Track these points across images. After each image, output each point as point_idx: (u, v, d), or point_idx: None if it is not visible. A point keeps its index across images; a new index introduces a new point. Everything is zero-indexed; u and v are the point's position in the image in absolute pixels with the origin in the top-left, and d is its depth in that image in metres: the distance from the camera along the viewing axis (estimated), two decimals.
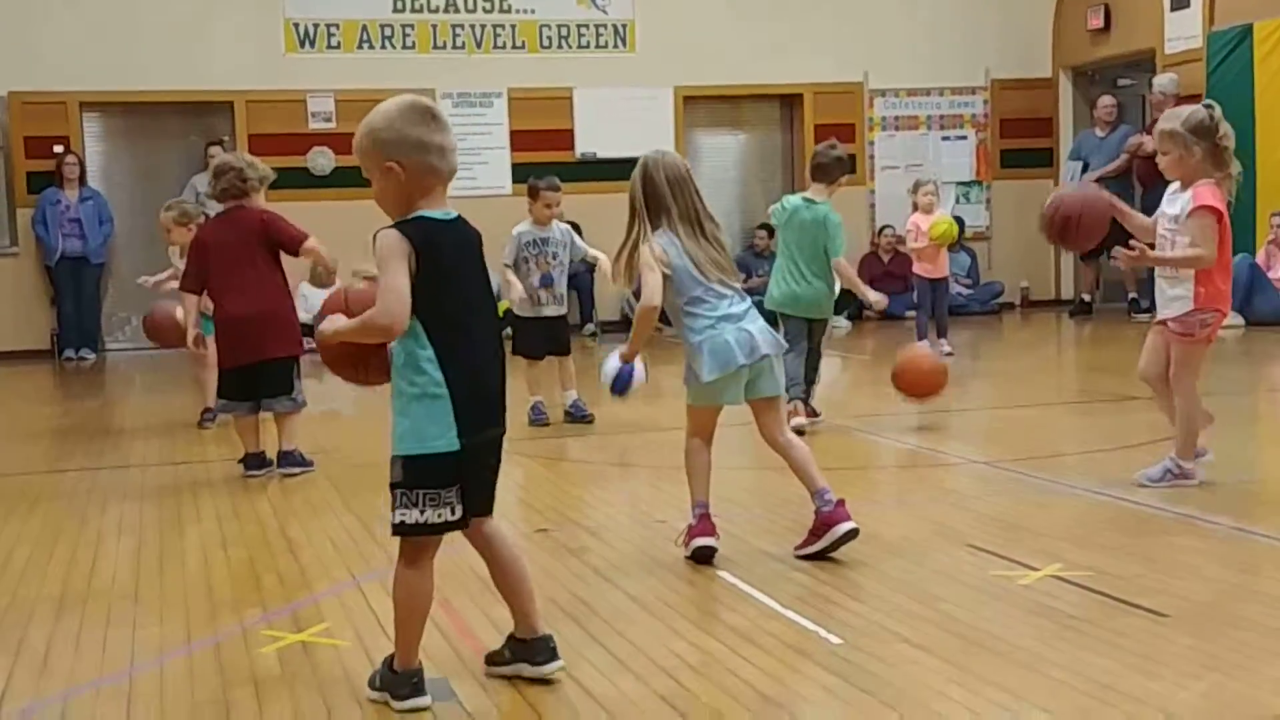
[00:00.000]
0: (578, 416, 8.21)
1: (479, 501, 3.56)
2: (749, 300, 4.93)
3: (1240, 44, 13.47)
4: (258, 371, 6.89)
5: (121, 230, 14.21)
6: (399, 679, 3.49)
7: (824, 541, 4.79)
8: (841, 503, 4.83)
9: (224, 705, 3.57)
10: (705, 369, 4.79)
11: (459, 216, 3.56)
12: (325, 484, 6.69)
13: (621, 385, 5.61)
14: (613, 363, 5.28)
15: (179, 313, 8.16)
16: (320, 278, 13.62)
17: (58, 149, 13.89)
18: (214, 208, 14.00)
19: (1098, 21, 15.28)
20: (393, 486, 3.47)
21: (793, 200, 7.85)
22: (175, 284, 8.13)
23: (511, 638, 3.70)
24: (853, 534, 4.79)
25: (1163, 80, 14.04)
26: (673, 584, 4.63)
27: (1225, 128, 5.64)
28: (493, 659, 3.71)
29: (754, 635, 3.98)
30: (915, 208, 11.42)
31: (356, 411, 9.44)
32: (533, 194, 8.28)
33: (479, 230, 3.62)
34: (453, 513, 3.46)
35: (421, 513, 3.43)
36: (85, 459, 7.75)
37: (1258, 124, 13.30)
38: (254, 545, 5.45)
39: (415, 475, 3.44)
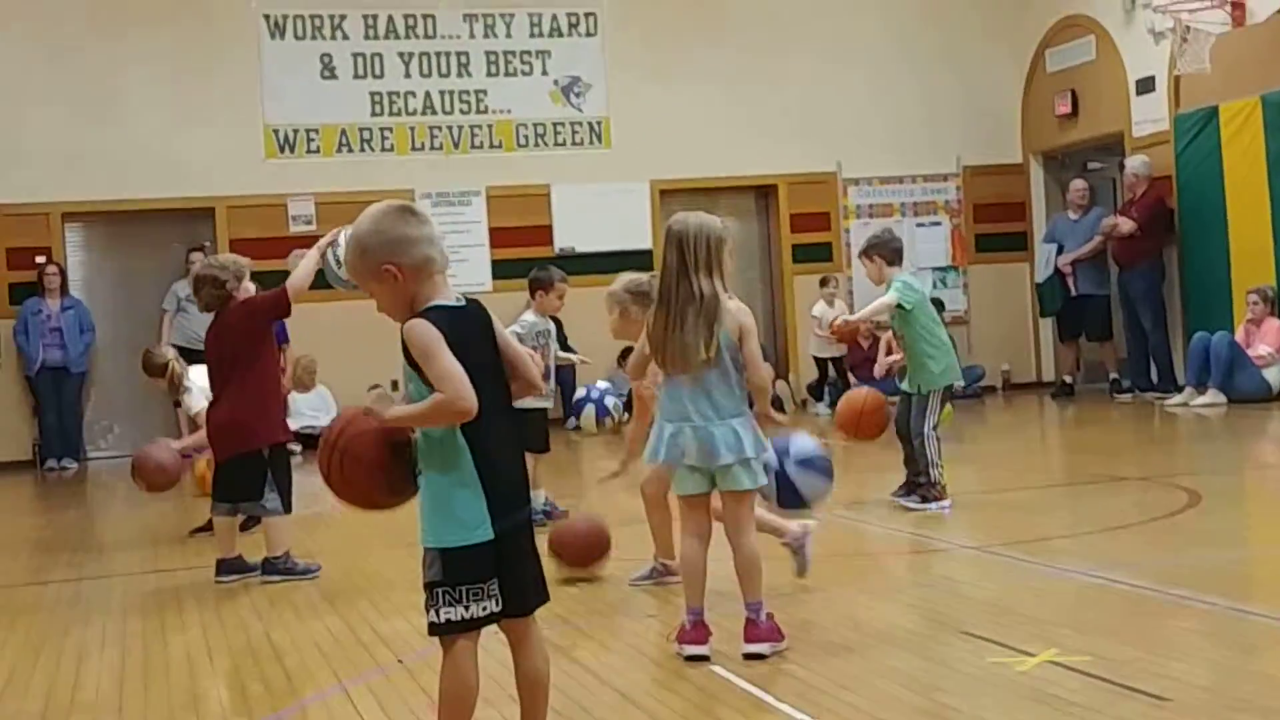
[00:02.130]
0: (556, 513, 8.05)
1: (520, 594, 3.50)
2: (714, 393, 4.70)
3: (1207, 125, 13.64)
4: (227, 471, 6.89)
5: (103, 338, 14.18)
6: None
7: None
8: (755, 622, 4.73)
9: None
10: (651, 450, 4.80)
11: (470, 301, 3.55)
12: (310, 587, 6.61)
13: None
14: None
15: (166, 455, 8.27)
16: (302, 379, 13.58)
17: (39, 259, 13.89)
18: (194, 312, 13.99)
19: (1065, 107, 15.47)
20: (431, 585, 3.42)
21: (916, 280, 8.14)
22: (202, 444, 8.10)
23: None
24: (756, 657, 4.67)
25: (1134, 162, 14.20)
26: (666, 681, 4.56)
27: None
28: None
29: None
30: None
31: (339, 513, 9.34)
32: (546, 286, 8.09)
33: (484, 305, 3.62)
34: (497, 604, 3.44)
35: (466, 609, 3.40)
36: (68, 570, 7.66)
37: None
38: (239, 653, 5.36)
39: (456, 570, 3.40)
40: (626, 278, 5.99)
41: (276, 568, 6.80)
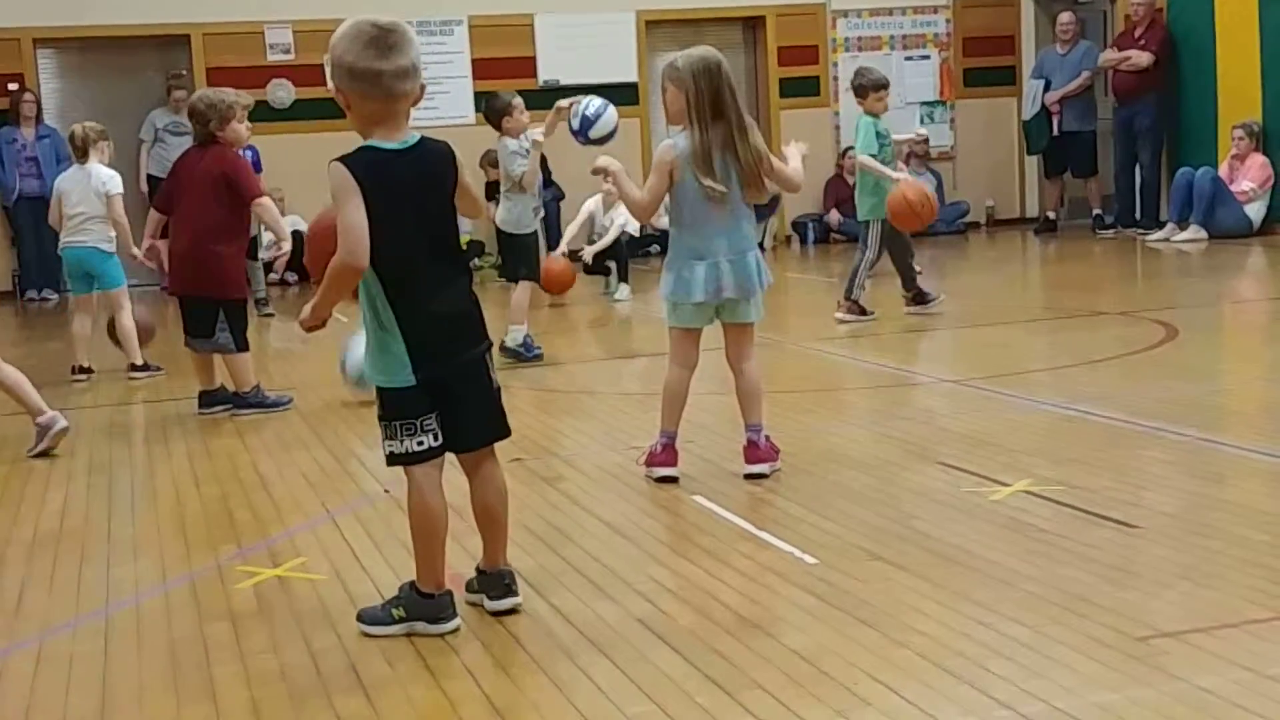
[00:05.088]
0: (531, 353, 7.98)
1: (458, 432, 3.55)
2: (744, 226, 4.83)
3: None
4: (184, 307, 6.96)
5: None
6: (434, 603, 3.51)
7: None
8: (755, 444, 4.88)
9: (201, 641, 3.57)
10: (679, 288, 4.83)
11: (419, 141, 3.50)
12: (296, 419, 6.67)
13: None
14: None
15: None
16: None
17: (12, 87, 13.65)
18: (172, 142, 13.77)
19: None
20: (379, 419, 3.53)
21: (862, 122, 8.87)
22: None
23: (477, 568, 3.72)
24: (751, 476, 4.85)
25: None
26: (647, 509, 4.65)
27: None
28: (468, 586, 3.73)
29: (730, 558, 4.00)
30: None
31: (326, 347, 9.37)
32: (507, 110, 7.86)
33: (448, 148, 3.57)
34: (435, 439, 3.50)
35: (402, 443, 3.49)
36: (52, 400, 7.64)
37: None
38: (226, 482, 5.43)
39: (389, 407, 3.50)
40: None
41: (247, 401, 6.86)
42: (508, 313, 7.94)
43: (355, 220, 3.35)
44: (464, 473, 3.67)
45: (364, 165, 3.39)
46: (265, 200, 6.95)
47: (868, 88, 8.88)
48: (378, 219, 3.36)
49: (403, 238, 3.41)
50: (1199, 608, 3.35)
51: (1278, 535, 3.88)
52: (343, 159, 3.41)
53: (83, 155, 8.26)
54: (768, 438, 4.95)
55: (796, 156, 5.08)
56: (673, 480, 4.86)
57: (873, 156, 8.68)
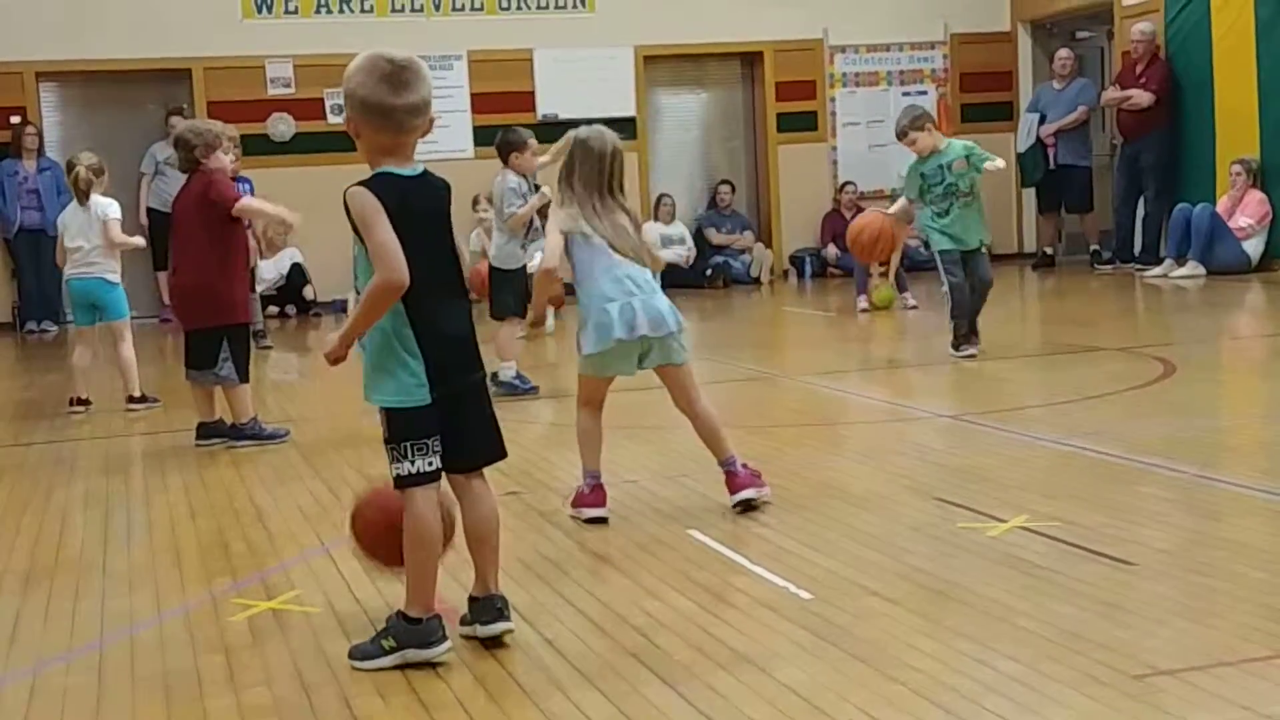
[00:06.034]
0: (524, 389, 7.97)
1: (456, 452, 3.60)
2: (641, 271, 4.87)
3: None
4: (188, 340, 6.99)
5: None
6: (423, 628, 3.49)
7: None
8: (734, 473, 4.89)
9: (195, 674, 3.56)
10: (601, 329, 4.81)
11: (425, 171, 3.59)
12: (292, 452, 6.67)
13: None
14: None
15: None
16: (273, 241, 13.52)
17: (15, 120, 13.71)
18: (172, 175, 13.80)
19: None
20: (385, 443, 3.56)
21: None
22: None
23: (469, 596, 3.72)
24: (746, 504, 4.86)
25: (1144, 28, 13.78)
26: (642, 543, 4.63)
27: None
28: (462, 620, 3.73)
29: (724, 592, 3.99)
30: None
31: (324, 380, 9.39)
32: (520, 148, 7.89)
33: (446, 181, 3.66)
34: (439, 459, 3.55)
35: (413, 463, 3.52)
36: (50, 432, 7.69)
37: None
38: (221, 514, 5.42)
39: (399, 428, 3.52)
40: None
41: (244, 433, 6.86)
42: (496, 349, 7.85)
43: (389, 239, 3.41)
44: (455, 495, 3.69)
45: (385, 189, 3.46)
46: (243, 202, 6.93)
47: (899, 134, 8.80)
48: (402, 241, 3.43)
49: (420, 260, 3.47)
50: (1195, 646, 3.34)
51: (1275, 573, 3.88)
52: (363, 184, 3.46)
53: (86, 199, 8.28)
54: (745, 465, 4.94)
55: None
56: (602, 520, 4.84)
57: (915, 198, 8.76)
